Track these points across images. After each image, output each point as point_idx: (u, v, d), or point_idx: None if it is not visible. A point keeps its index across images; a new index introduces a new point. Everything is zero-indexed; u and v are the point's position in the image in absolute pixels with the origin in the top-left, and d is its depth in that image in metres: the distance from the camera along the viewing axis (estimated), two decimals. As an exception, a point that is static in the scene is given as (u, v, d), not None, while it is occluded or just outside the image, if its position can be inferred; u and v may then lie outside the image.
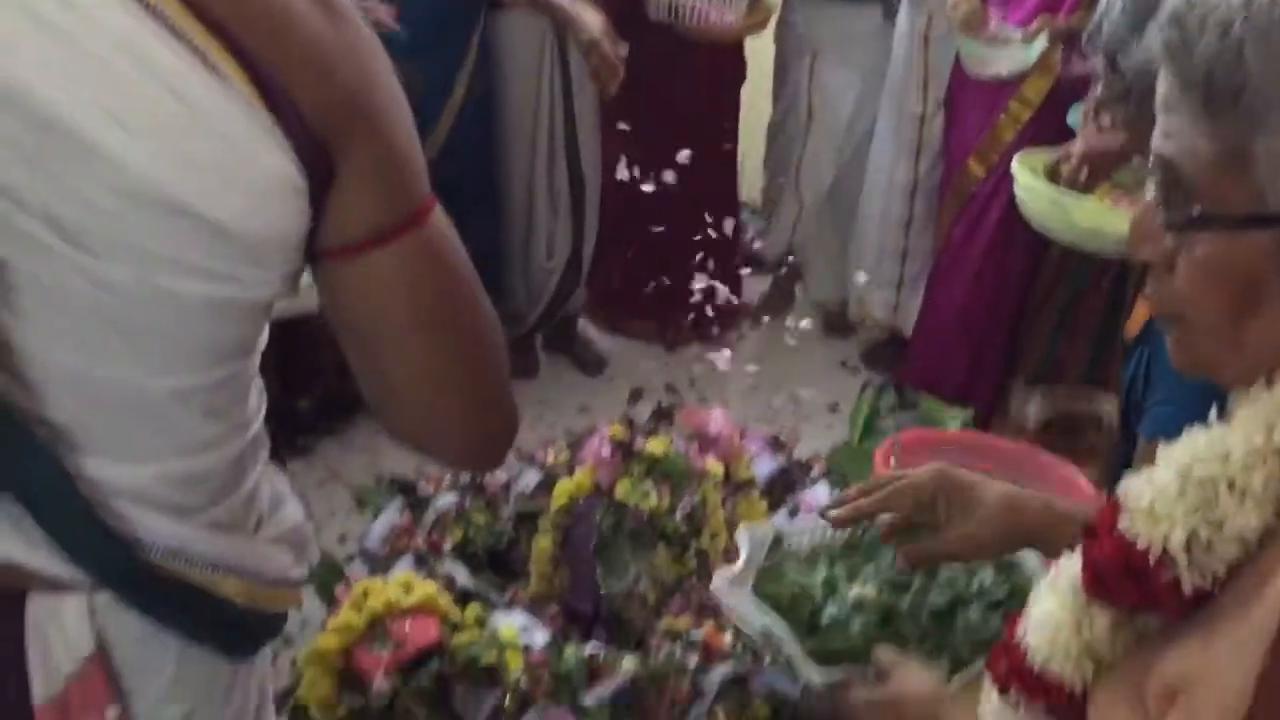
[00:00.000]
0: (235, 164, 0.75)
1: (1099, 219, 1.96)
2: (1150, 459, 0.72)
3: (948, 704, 0.87)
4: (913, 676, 0.90)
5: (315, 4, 0.77)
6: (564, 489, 2.08)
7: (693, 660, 1.78)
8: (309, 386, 2.94)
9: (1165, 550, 0.67)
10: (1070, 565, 0.78)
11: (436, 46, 2.84)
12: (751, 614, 1.00)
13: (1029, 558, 1.13)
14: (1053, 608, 0.78)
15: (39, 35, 0.70)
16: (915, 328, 3.27)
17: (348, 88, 0.78)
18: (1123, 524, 0.70)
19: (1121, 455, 1.37)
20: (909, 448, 2.08)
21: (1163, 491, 0.68)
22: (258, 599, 0.92)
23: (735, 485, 2.20)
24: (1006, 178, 2.73)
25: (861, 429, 2.77)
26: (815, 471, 2.34)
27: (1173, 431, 0.71)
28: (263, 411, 0.96)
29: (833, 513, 1.05)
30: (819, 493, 2.27)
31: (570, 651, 1.78)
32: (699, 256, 3.52)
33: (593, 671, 1.77)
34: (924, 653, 0.98)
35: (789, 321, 3.79)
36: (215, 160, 0.74)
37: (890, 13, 3.21)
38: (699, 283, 3.55)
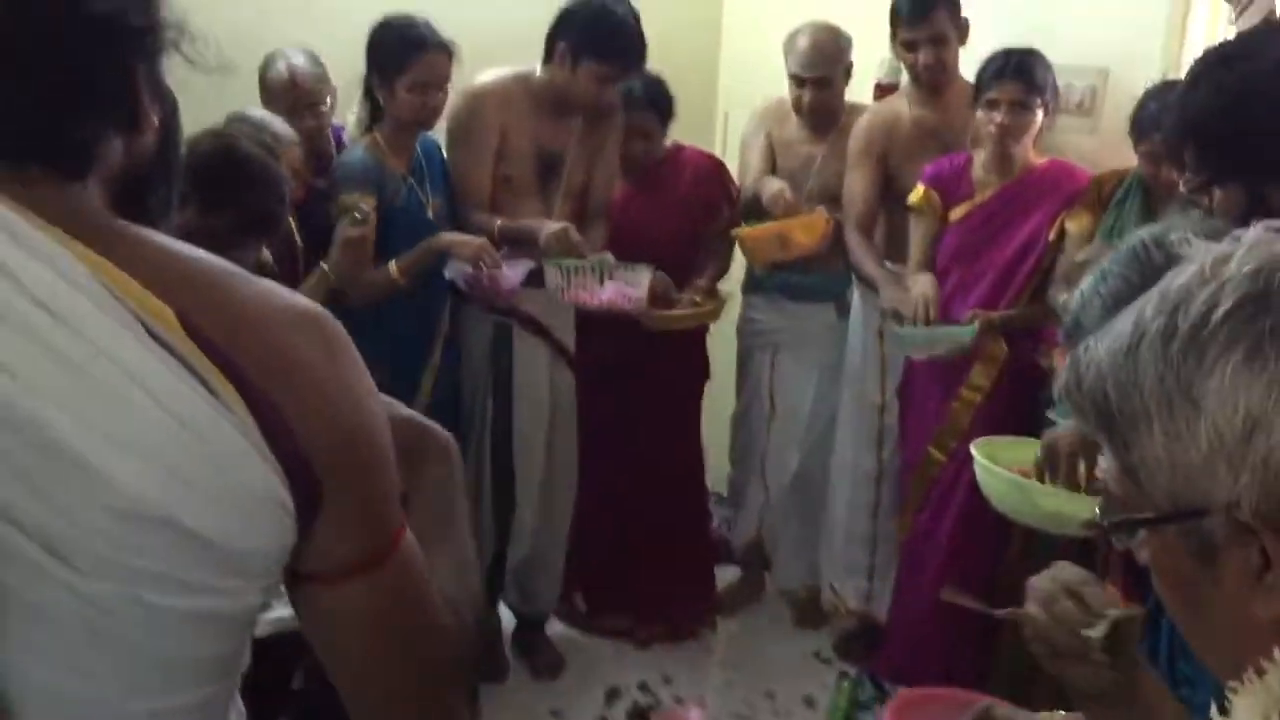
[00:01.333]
0: (226, 482, 0.78)
1: (1061, 503, 2.00)
2: None
3: None
4: None
5: (319, 345, 0.83)
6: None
7: None
8: (285, 705, 2.81)
9: None
10: None
11: (403, 346, 2.93)
12: None
13: None
14: None
15: (46, 362, 0.74)
16: (889, 617, 3.24)
17: (343, 424, 0.83)
18: None
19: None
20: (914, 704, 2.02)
21: None
22: None
23: (715, 790, 2.11)
24: (968, 463, 2.79)
25: (840, 723, 2.69)
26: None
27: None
28: None
29: None
30: (802, 796, 2.17)
31: None
32: (667, 548, 3.52)
33: None
34: None
35: (760, 613, 3.75)
36: (207, 477, 0.77)
37: (844, 310, 3.38)
38: (669, 575, 3.55)
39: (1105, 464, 0.78)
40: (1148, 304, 0.74)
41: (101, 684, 0.80)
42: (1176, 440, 0.69)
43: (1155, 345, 0.71)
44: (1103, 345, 0.76)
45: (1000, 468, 2.15)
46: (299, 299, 0.86)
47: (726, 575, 3.81)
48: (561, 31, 2.92)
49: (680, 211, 3.35)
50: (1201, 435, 0.68)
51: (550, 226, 2.91)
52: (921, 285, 2.97)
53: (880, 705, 2.84)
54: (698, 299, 3.28)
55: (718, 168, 3.49)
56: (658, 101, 3.27)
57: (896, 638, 3.15)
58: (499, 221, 2.95)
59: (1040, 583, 1.16)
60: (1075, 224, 2.78)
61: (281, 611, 1.62)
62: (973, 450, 2.24)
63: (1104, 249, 2.43)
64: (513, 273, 2.86)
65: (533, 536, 3.25)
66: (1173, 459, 0.70)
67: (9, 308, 0.74)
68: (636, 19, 2.93)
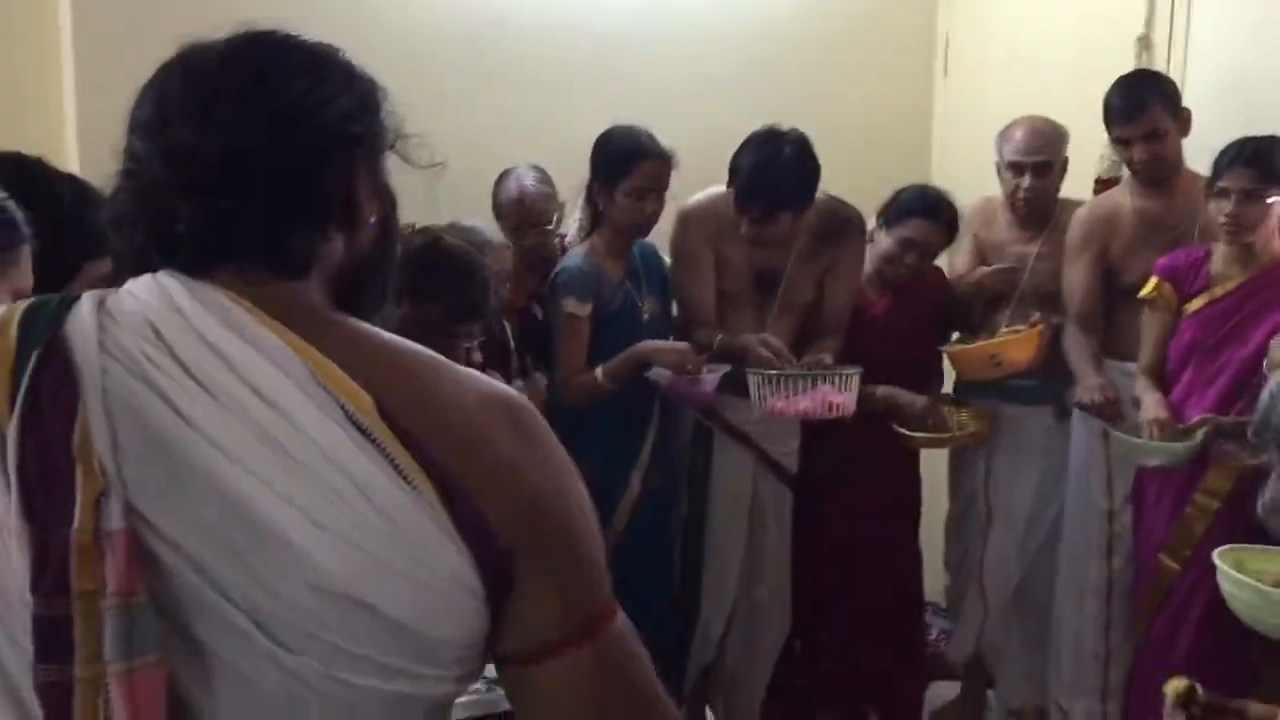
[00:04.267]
0: (417, 566, 0.80)
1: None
2: None
3: None
4: None
5: (509, 425, 0.86)
6: None
7: None
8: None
9: None
10: None
11: (614, 442, 2.98)
12: None
13: None
14: None
15: (254, 442, 0.79)
16: (1120, 736, 3.01)
17: (534, 503, 0.84)
18: None
19: None
20: None
21: None
22: None
23: None
24: (1207, 574, 2.58)
25: None
26: None
27: None
28: None
29: None
30: None
31: None
32: (882, 663, 3.38)
33: None
34: None
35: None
36: (399, 562, 0.80)
37: (1063, 412, 3.22)
38: (884, 690, 3.40)
39: None
40: None
41: None
42: None
43: None
44: None
45: (1248, 577, 2.00)
46: (494, 385, 0.89)
47: (947, 691, 3.64)
48: (732, 164, 2.98)
49: (918, 322, 3.30)
50: None
51: (758, 340, 2.92)
52: (1152, 409, 2.83)
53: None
54: (962, 417, 3.20)
55: (940, 278, 3.41)
56: (953, 224, 3.21)
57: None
58: (719, 336, 2.99)
59: None
60: None
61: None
62: (1215, 559, 2.09)
63: None
64: (708, 378, 2.87)
65: (732, 653, 3.19)
66: None
67: (223, 390, 0.80)
68: (797, 162, 2.91)
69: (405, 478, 0.80)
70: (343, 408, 0.80)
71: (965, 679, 3.62)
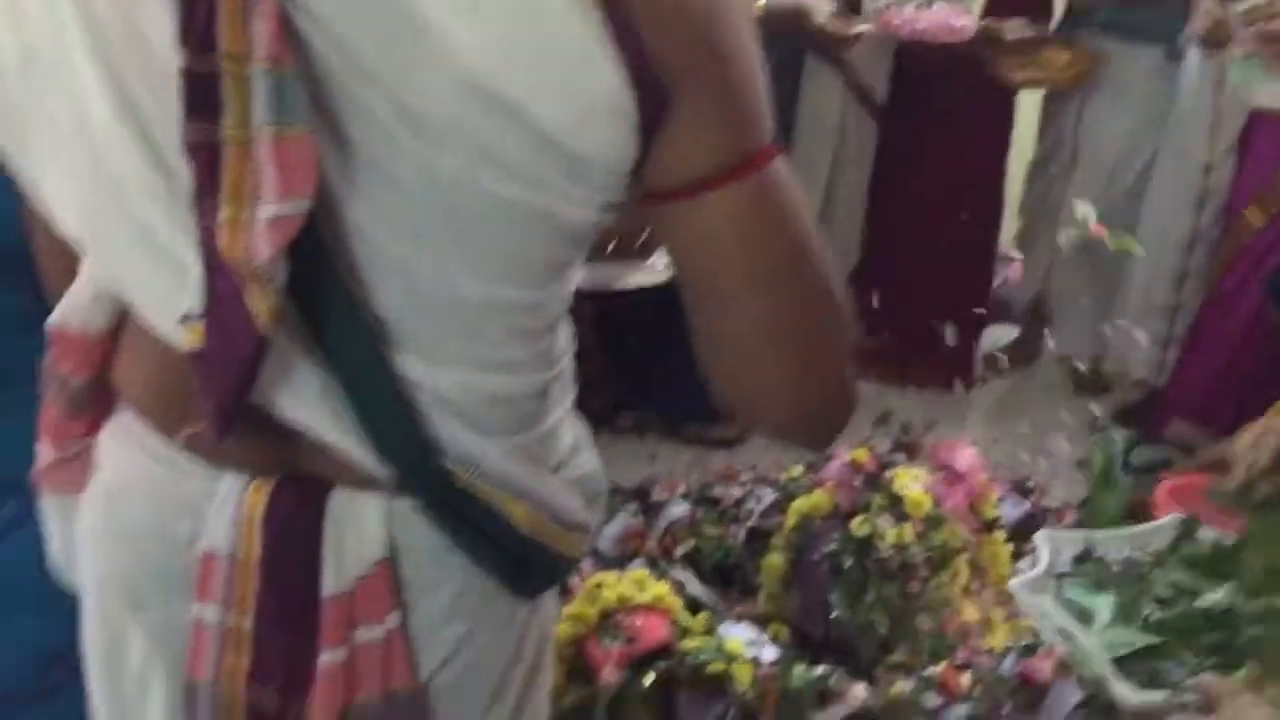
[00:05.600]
0: (568, 74, 0.76)
1: None
2: None
3: None
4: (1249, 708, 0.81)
5: None
6: (799, 507, 2.03)
7: (931, 699, 1.69)
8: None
9: None
10: None
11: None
12: (1052, 613, 0.94)
13: None
14: None
15: None
16: (1171, 381, 3.07)
17: (696, 25, 0.78)
18: None
19: None
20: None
21: None
22: (545, 533, 0.91)
23: (980, 524, 2.10)
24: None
25: (1101, 479, 2.54)
26: (1067, 521, 2.21)
27: None
28: (569, 356, 0.97)
29: None
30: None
31: (800, 671, 1.72)
32: (947, 301, 3.41)
33: (821, 694, 1.70)
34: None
35: (1035, 374, 3.63)
36: (550, 65, 0.75)
37: (1175, 53, 3.03)
38: (945, 327, 3.45)
39: None
40: None
41: (443, 262, 0.81)
42: None
43: None
44: None
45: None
46: None
47: (1001, 335, 3.68)
48: None
49: None
50: None
51: None
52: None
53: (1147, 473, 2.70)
54: (1066, 58, 3.01)
55: None
56: None
57: (1178, 405, 2.99)
58: None
59: None
60: None
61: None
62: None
63: None
64: None
65: None
66: None
67: None
68: None
69: None
70: None
71: (1024, 323, 3.66)
